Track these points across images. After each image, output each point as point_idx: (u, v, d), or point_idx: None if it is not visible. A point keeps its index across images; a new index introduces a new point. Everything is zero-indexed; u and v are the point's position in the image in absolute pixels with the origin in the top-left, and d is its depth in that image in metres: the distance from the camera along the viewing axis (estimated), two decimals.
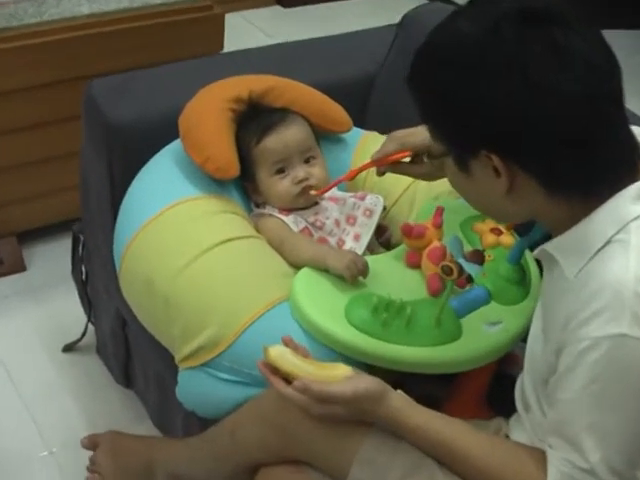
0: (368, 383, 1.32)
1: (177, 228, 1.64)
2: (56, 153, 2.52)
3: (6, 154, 2.46)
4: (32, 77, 2.36)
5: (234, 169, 1.70)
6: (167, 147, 1.84)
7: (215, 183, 1.73)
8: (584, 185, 1.18)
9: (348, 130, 1.89)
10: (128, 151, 1.92)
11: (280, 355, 1.33)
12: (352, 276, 1.55)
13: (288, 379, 1.33)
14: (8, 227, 2.61)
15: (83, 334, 2.36)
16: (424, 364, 1.50)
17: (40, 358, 2.38)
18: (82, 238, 2.20)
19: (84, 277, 2.27)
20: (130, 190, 1.78)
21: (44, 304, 2.55)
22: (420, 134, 1.57)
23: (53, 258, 2.64)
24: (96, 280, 2.20)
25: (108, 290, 2.05)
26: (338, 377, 1.32)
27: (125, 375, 2.19)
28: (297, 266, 1.63)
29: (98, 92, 1.95)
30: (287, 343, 1.38)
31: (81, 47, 2.38)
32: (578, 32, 1.15)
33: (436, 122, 1.25)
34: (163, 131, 1.87)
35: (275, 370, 1.33)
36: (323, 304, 1.54)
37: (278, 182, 1.72)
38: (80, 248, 2.23)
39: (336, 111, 1.88)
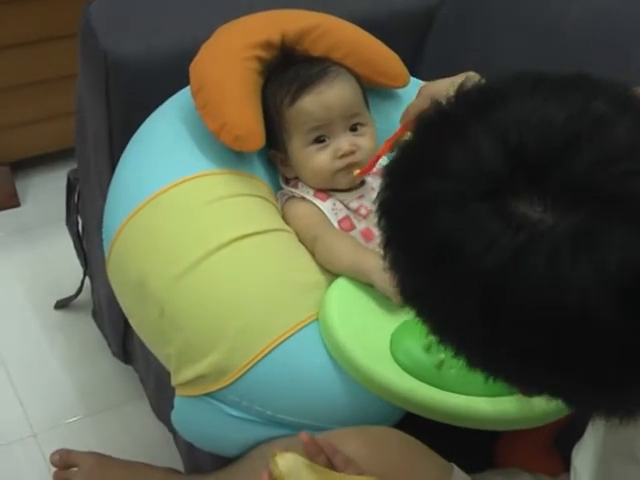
0: None
1: (177, 217, 1.27)
2: (55, 74, 2.19)
3: None
4: None
5: (258, 139, 1.33)
6: (175, 96, 1.47)
7: (234, 154, 1.35)
8: None
9: (403, 85, 1.50)
10: (131, 94, 1.56)
11: (291, 470, 0.99)
12: (400, 303, 1.20)
13: None
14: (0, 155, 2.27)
15: (78, 291, 2.03)
16: (491, 419, 1.17)
17: (28, 314, 2.07)
18: (78, 186, 1.86)
19: (80, 229, 1.93)
20: (123, 158, 1.41)
21: (38, 247, 2.23)
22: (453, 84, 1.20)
23: (51, 192, 2.29)
24: (93, 235, 1.86)
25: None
26: None
27: (123, 349, 1.86)
28: (331, 272, 1.28)
29: (97, 18, 1.58)
30: (307, 445, 1.03)
31: None
32: None
33: None
34: (175, 71, 1.48)
35: None
36: (363, 333, 1.20)
37: (315, 154, 1.34)
38: (76, 196, 1.88)
39: (390, 60, 1.48)
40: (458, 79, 1.17)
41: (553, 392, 0.76)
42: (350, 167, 1.34)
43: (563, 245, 0.66)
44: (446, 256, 0.70)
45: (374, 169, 1.39)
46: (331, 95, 1.34)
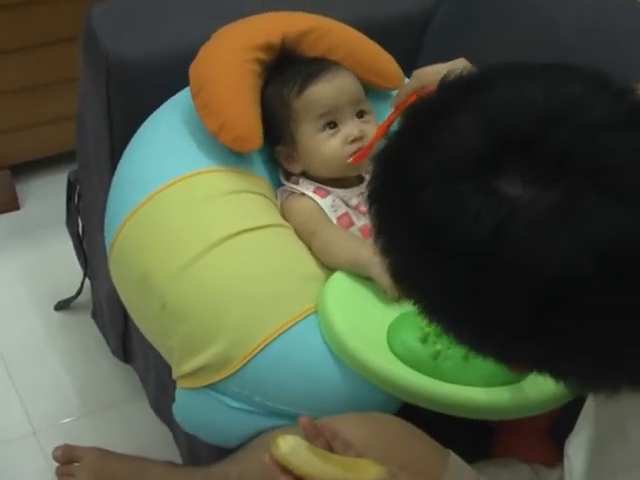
0: None
1: (180, 212, 1.31)
2: (55, 78, 2.21)
3: None
4: None
5: (256, 139, 1.36)
6: (175, 97, 1.50)
7: (234, 153, 1.38)
8: None
9: (398, 86, 1.53)
10: (131, 95, 1.59)
11: (293, 450, 1.01)
12: (396, 297, 1.23)
13: None
14: (0, 159, 2.28)
15: (79, 292, 2.05)
16: (486, 409, 1.20)
17: (28, 315, 2.09)
18: (78, 187, 1.88)
19: (80, 230, 1.96)
20: (125, 156, 1.44)
21: (37, 249, 2.25)
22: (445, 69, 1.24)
23: (51, 196, 2.31)
24: (94, 236, 1.89)
25: (106, 251, 1.74)
26: None
27: (123, 349, 1.89)
28: (329, 266, 1.31)
29: (98, 21, 1.61)
30: (306, 428, 1.06)
31: None
32: None
33: None
34: (175, 73, 1.52)
35: (286, 469, 1.02)
36: (361, 325, 1.23)
37: (326, 141, 1.37)
38: (76, 197, 1.91)
39: (386, 62, 1.52)
40: (451, 64, 1.21)
41: (540, 365, 0.79)
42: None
43: (541, 217, 0.69)
44: (433, 235, 0.73)
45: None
46: (338, 82, 1.38)
